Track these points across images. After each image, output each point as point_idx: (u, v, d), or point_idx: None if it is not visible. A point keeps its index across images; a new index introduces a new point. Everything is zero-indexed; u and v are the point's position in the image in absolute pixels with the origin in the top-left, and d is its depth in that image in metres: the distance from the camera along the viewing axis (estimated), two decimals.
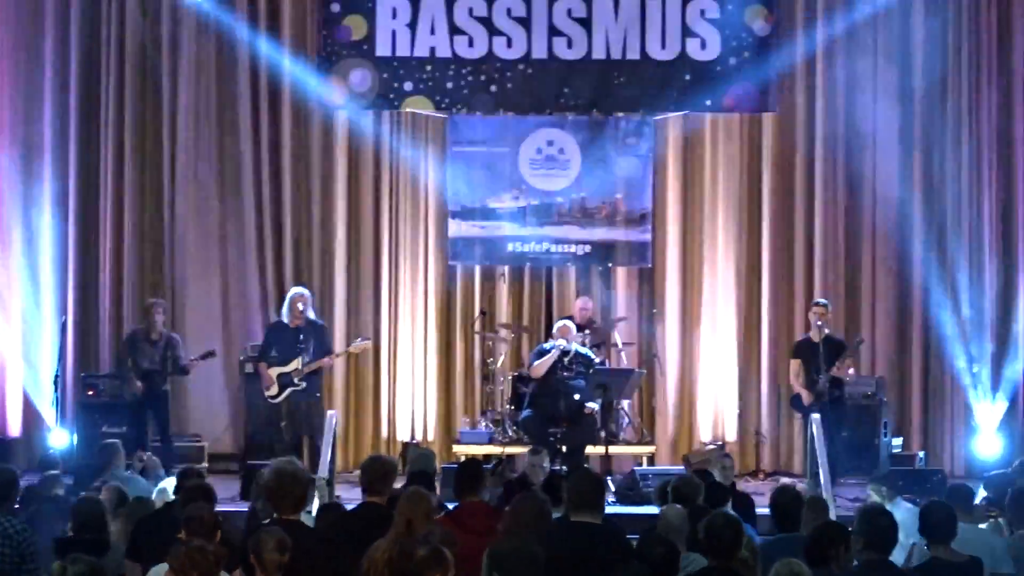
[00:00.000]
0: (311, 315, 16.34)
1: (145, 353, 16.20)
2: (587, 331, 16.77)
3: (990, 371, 17.50)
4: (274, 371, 15.99)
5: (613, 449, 15.86)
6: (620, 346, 17.33)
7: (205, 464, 16.35)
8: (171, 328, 17.29)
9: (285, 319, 16.20)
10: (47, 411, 17.00)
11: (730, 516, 8.46)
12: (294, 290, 16.48)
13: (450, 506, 10.37)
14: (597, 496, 9.16)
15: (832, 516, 12.24)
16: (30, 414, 17.32)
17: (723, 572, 8.03)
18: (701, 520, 8.56)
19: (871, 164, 17.79)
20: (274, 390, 15.98)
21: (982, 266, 17.66)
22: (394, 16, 17.54)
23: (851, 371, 16.37)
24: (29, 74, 17.60)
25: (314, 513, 10.50)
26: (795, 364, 16.48)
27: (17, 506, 10.56)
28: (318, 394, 16.32)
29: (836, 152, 17.83)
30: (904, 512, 9.82)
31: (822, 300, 16.84)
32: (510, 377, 17.09)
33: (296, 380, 15.95)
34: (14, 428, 17.33)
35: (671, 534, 8.77)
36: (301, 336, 16.08)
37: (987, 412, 17.35)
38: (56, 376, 16.63)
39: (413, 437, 17.57)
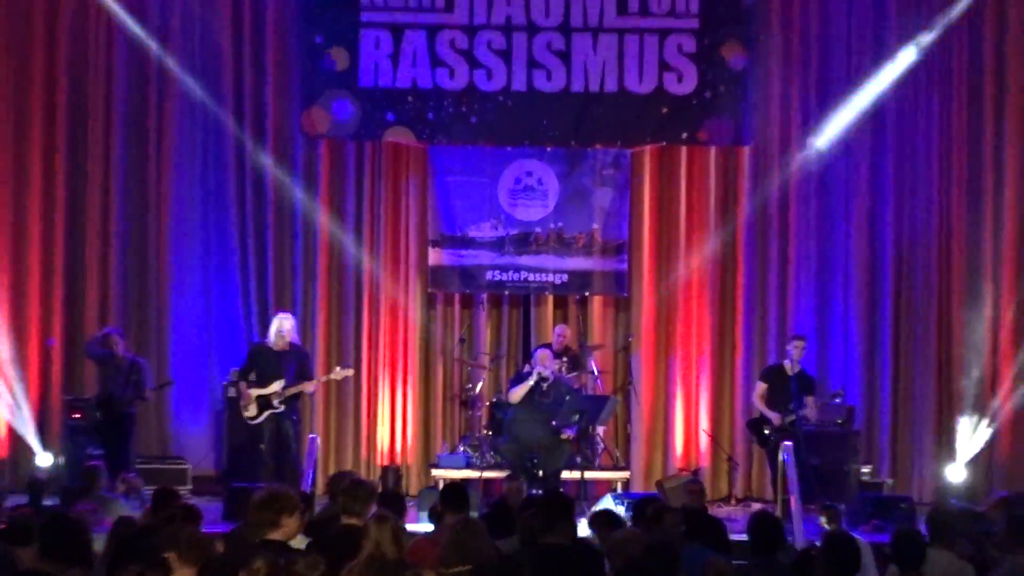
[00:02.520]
0: (295, 340, 16.38)
1: (107, 377, 16.20)
2: (564, 359, 16.83)
3: (962, 404, 17.61)
4: (254, 391, 15.95)
5: (588, 474, 15.98)
6: (596, 373, 17.37)
7: (189, 486, 16.50)
8: (157, 350, 17.55)
9: (270, 342, 16.17)
10: (31, 434, 17.06)
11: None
12: (280, 315, 16.47)
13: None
14: (565, 518, 9.20)
15: (801, 540, 12.50)
16: (15, 437, 17.27)
17: None
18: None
19: (842, 200, 17.94)
20: (253, 411, 15.97)
21: (950, 303, 17.82)
22: (377, 48, 17.61)
23: (813, 408, 16.36)
24: (20, 103, 17.58)
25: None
26: (762, 387, 16.60)
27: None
28: (295, 416, 16.25)
29: (809, 187, 17.94)
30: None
31: (801, 334, 16.95)
32: (488, 403, 17.11)
33: (276, 403, 15.93)
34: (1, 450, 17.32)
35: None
36: (283, 360, 16.08)
37: (956, 443, 17.48)
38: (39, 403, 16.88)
39: (392, 461, 17.62)
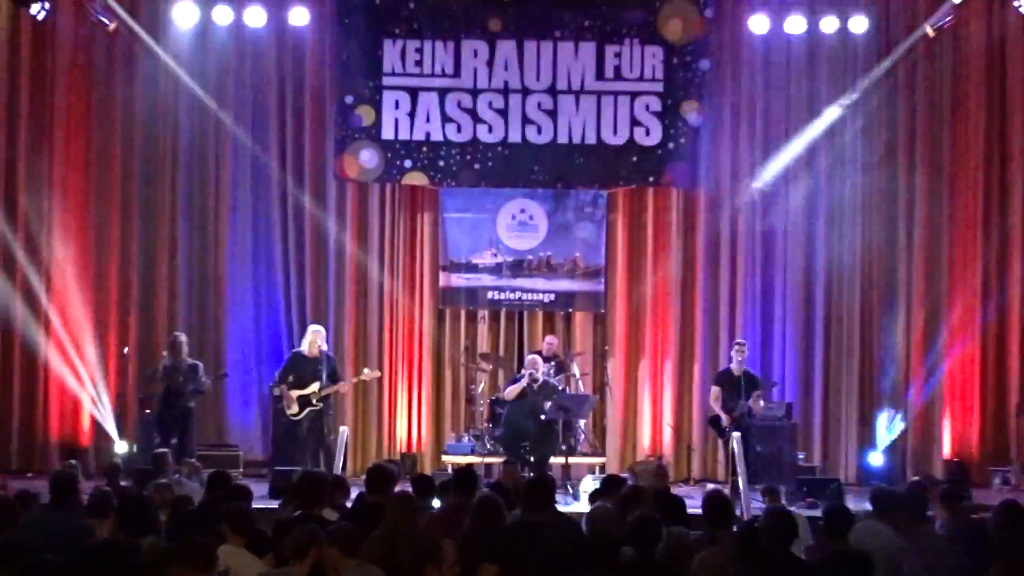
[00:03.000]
0: (325, 347, 16.41)
1: (171, 380, 16.10)
2: (551, 363, 16.86)
3: (881, 400, 17.73)
4: (295, 393, 16.01)
5: (572, 459, 15.98)
6: (578, 376, 17.31)
7: (241, 469, 16.50)
8: (214, 355, 17.62)
9: (304, 350, 16.27)
10: (111, 426, 17.19)
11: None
12: (313, 327, 16.59)
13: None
14: (545, 497, 9.26)
15: (747, 515, 12.53)
16: (97, 428, 17.38)
17: (647, 563, 8.00)
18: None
19: (782, 231, 17.98)
20: (295, 408, 16.01)
21: (871, 316, 17.92)
22: (396, 107, 17.61)
23: (761, 403, 16.41)
24: (104, 150, 17.69)
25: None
26: (716, 391, 16.70)
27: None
28: (330, 412, 16.31)
29: (755, 221, 18.00)
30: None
31: (742, 340, 17.08)
32: (489, 400, 17.12)
33: (314, 401, 16.02)
34: (85, 439, 17.44)
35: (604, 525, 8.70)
36: (317, 365, 16.15)
37: (876, 433, 17.57)
38: (118, 399, 16.95)
39: (409, 449, 17.73)
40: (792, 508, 11.21)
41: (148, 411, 16.63)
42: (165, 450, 15.33)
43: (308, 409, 16.10)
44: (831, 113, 17.76)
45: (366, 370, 17.05)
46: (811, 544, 9.76)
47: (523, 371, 16.44)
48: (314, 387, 16.09)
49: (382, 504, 9.61)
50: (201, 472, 13.26)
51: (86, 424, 17.48)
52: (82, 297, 17.48)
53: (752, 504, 13.84)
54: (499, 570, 7.91)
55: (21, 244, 17.34)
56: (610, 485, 10.88)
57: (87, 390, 17.41)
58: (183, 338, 16.40)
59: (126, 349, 17.57)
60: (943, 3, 16.92)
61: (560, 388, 16.56)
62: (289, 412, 16.14)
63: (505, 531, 8.68)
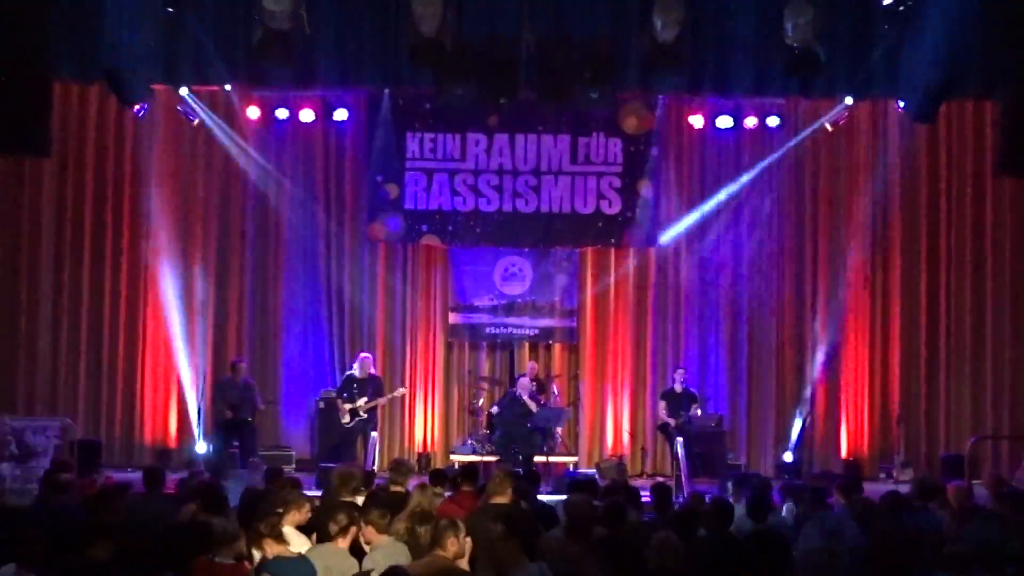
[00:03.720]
0: (372, 371, 16.50)
1: (232, 396, 16.11)
2: (535, 384, 16.80)
3: (792, 411, 17.69)
4: (347, 405, 16.07)
5: (552, 458, 15.99)
6: (556, 393, 17.30)
7: (293, 465, 16.45)
8: (273, 375, 17.62)
9: (356, 373, 16.29)
10: (194, 430, 17.07)
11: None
12: (363, 354, 16.63)
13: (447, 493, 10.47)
14: (509, 485, 9.24)
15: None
16: (183, 431, 17.35)
17: (616, 539, 7.95)
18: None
19: (714, 281, 17.95)
20: (347, 419, 16.06)
21: (783, 345, 17.91)
22: (416, 184, 17.54)
23: (698, 412, 16.48)
24: (188, 213, 17.69)
25: None
26: (663, 404, 16.71)
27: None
28: (374, 420, 16.34)
29: (693, 269, 17.98)
30: (740, 508, 9.72)
31: (682, 367, 17.17)
32: (487, 412, 17.02)
33: (361, 413, 16.08)
34: (172, 442, 17.41)
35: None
36: (365, 384, 16.21)
37: (789, 437, 17.54)
38: (199, 409, 16.91)
39: (424, 450, 17.67)
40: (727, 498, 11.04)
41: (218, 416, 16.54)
42: (234, 450, 15.38)
43: (356, 419, 16.12)
44: (753, 189, 17.77)
45: (400, 389, 17.05)
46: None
47: (513, 389, 16.44)
48: (361, 402, 16.10)
49: (403, 493, 9.65)
50: (261, 467, 13.20)
51: (173, 429, 17.43)
52: (169, 336, 17.46)
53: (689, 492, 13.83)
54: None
55: (123, 300, 17.38)
56: (582, 484, 10.92)
57: (173, 403, 17.40)
58: (242, 364, 16.49)
59: (206, 371, 17.47)
60: (838, 104, 16.90)
61: (542, 403, 16.45)
62: (343, 421, 16.15)
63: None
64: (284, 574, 7.31)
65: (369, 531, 7.87)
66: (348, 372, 16.62)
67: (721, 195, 17.85)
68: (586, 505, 8.74)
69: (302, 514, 8.47)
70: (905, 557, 7.62)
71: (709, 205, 17.88)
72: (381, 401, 16.44)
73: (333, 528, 7.76)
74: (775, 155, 17.69)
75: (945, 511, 10.16)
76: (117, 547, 7.20)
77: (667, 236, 17.93)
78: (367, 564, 7.53)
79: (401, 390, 17.03)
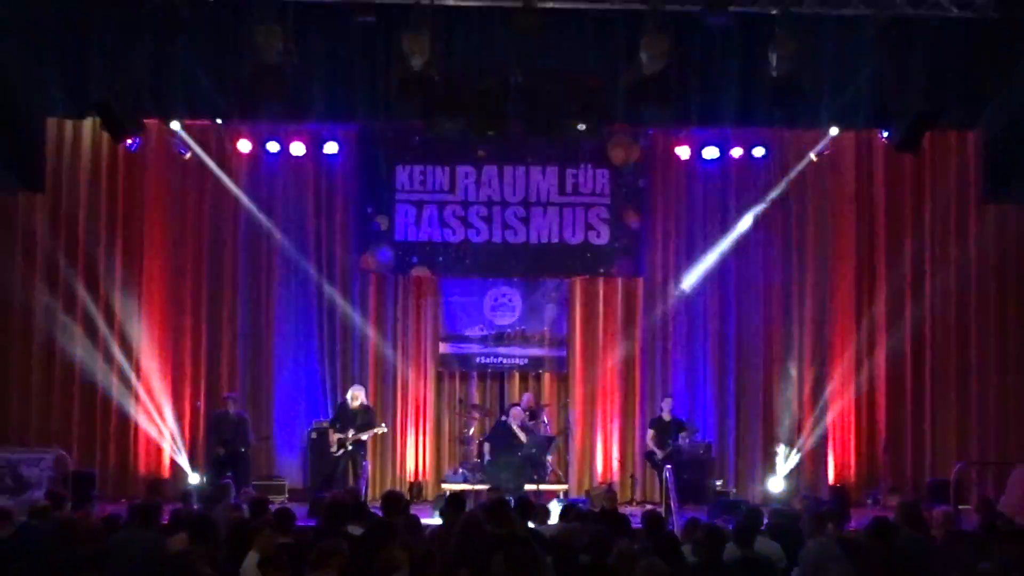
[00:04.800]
0: (365, 402, 16.49)
1: (225, 429, 16.27)
2: (528, 413, 16.78)
3: (779, 440, 17.63)
4: (336, 436, 16.11)
5: (542, 487, 15.85)
6: (546, 422, 17.20)
7: (286, 495, 16.39)
8: (265, 408, 17.53)
9: (349, 403, 16.33)
10: (185, 462, 17.06)
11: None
12: (355, 387, 16.65)
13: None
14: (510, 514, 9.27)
15: (678, 528, 12.36)
16: (175, 464, 17.21)
17: (599, 567, 8.04)
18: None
19: (703, 310, 17.94)
20: (335, 448, 16.10)
21: (770, 374, 17.87)
22: (406, 216, 17.53)
23: (687, 440, 16.43)
24: (179, 253, 17.64)
25: None
26: (651, 433, 16.72)
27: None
28: (362, 452, 16.31)
29: (681, 301, 17.94)
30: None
31: (670, 395, 17.20)
32: (478, 441, 16.99)
33: (348, 445, 16.09)
34: (166, 472, 17.26)
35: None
36: (356, 416, 16.23)
37: (777, 465, 17.50)
38: (191, 441, 16.86)
39: (416, 478, 17.53)
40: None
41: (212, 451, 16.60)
42: (227, 481, 15.30)
43: (343, 450, 16.13)
44: (740, 219, 17.76)
45: (382, 427, 16.88)
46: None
47: (505, 418, 16.46)
48: (349, 433, 16.14)
49: (392, 523, 9.59)
50: (252, 498, 13.12)
51: (167, 461, 17.29)
52: (162, 369, 17.37)
53: (679, 519, 13.65)
54: (468, 573, 7.76)
55: (116, 333, 17.19)
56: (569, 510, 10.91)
57: (167, 435, 17.24)
58: (233, 397, 16.69)
59: (199, 403, 17.47)
60: (822, 135, 16.94)
61: (533, 432, 16.45)
62: (332, 450, 16.18)
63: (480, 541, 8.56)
64: None
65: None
66: (341, 401, 16.66)
67: (708, 225, 17.94)
68: (572, 533, 8.73)
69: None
70: None
71: (696, 235, 17.93)
72: (364, 436, 16.39)
73: (332, 560, 7.73)
74: (761, 186, 17.76)
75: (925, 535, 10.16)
76: None
77: (654, 267, 17.97)
78: None
79: (382, 428, 16.90)
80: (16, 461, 15.19)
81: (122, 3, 14.46)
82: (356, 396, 16.38)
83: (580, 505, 12.90)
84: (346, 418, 16.24)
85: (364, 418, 16.32)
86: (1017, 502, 14.36)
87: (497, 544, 8.28)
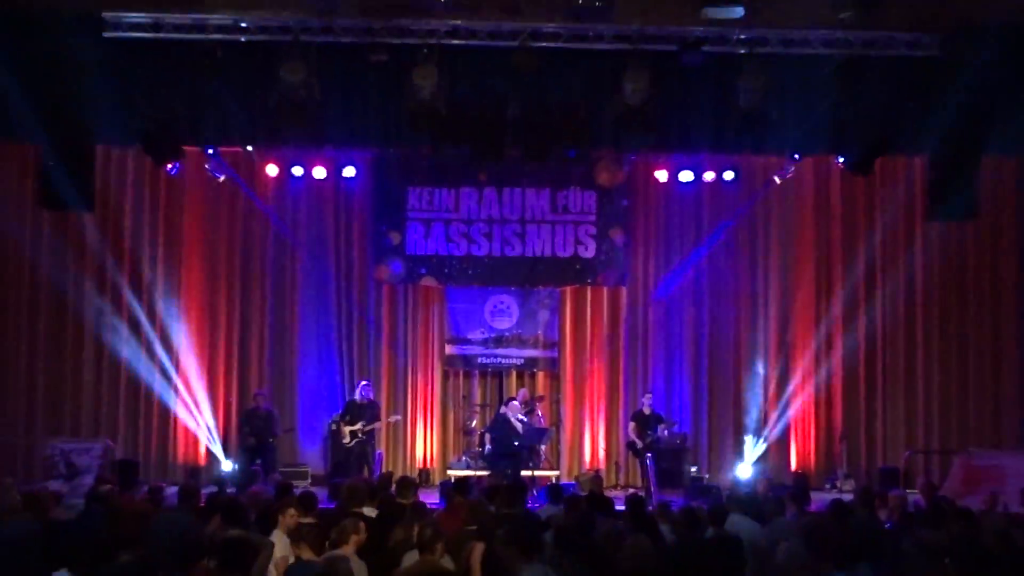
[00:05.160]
0: (371, 396, 16.48)
1: (255, 422, 16.27)
2: (524, 406, 16.69)
3: (747, 430, 17.63)
4: (347, 428, 16.08)
5: (537, 472, 15.91)
6: (540, 415, 17.13)
7: (309, 480, 16.38)
8: (290, 401, 17.51)
9: (357, 398, 16.33)
10: (219, 451, 17.09)
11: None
12: (362, 382, 16.66)
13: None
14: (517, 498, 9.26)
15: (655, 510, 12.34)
16: (210, 453, 17.22)
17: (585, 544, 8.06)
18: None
19: (679, 316, 17.92)
20: (347, 438, 16.06)
21: (739, 371, 17.88)
22: (416, 232, 17.54)
23: (665, 432, 16.43)
24: (213, 263, 17.66)
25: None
26: (633, 425, 16.65)
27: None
28: (372, 441, 16.30)
29: (660, 307, 17.92)
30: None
31: (650, 391, 17.19)
32: (479, 432, 17.00)
33: (360, 435, 16.04)
34: (201, 460, 17.25)
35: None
36: (364, 409, 16.20)
37: (745, 453, 17.49)
38: (224, 432, 16.85)
39: (424, 466, 17.55)
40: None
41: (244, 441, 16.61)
42: (257, 468, 15.31)
43: (355, 440, 16.06)
44: (712, 234, 17.79)
45: (396, 416, 17.09)
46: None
47: (504, 411, 16.33)
48: (360, 425, 16.08)
49: (404, 505, 9.62)
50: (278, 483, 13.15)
51: (203, 450, 17.29)
52: (199, 368, 17.36)
53: (657, 500, 13.58)
54: (484, 546, 7.80)
55: (158, 335, 17.18)
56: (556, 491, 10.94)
57: (203, 427, 17.25)
58: (261, 393, 16.72)
59: (231, 399, 17.50)
60: (786, 161, 17.00)
61: (528, 424, 16.36)
62: (343, 441, 16.14)
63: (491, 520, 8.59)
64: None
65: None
66: (350, 399, 16.64)
67: (683, 240, 17.95)
68: (558, 515, 8.92)
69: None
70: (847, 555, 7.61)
71: (673, 249, 17.95)
72: (377, 425, 16.43)
73: (351, 538, 7.80)
74: (731, 205, 17.77)
75: (883, 513, 10.22)
76: (138, 554, 7.22)
77: (636, 277, 17.99)
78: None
79: (396, 417, 17.02)
80: (69, 450, 15.20)
81: (164, 45, 14.61)
82: (364, 391, 16.43)
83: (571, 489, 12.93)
84: (353, 412, 16.25)
85: (370, 412, 16.33)
86: (959, 486, 14.41)
87: (500, 522, 8.38)
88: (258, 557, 7.55)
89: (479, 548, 7.75)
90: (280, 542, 8.07)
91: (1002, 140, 15.47)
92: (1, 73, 14.75)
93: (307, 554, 7.63)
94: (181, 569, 7.43)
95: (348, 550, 7.73)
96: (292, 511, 8.57)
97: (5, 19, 14.73)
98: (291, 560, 7.78)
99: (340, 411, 16.63)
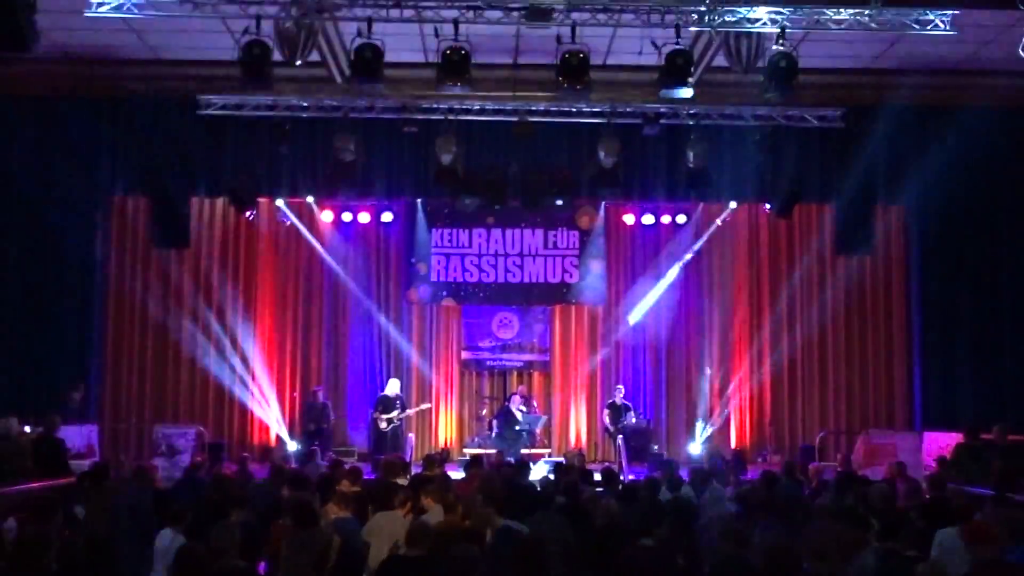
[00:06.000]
0: (399, 391, 16.40)
1: (314, 412, 16.25)
2: (523, 399, 16.71)
3: (698, 416, 17.52)
4: (383, 417, 15.96)
5: (533, 450, 15.86)
6: (536, 406, 17.18)
7: (355, 457, 16.18)
8: (343, 396, 17.44)
9: (389, 394, 16.23)
10: (285, 435, 17.01)
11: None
12: (392, 379, 16.61)
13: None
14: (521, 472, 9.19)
15: (626, 479, 12.28)
16: (278, 436, 17.09)
17: (573, 506, 7.99)
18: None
19: (643, 329, 17.78)
20: (384, 426, 15.93)
21: (689, 370, 17.80)
22: (439, 264, 17.49)
23: (633, 419, 16.39)
24: (283, 288, 17.64)
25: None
26: (607, 412, 16.60)
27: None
28: (402, 427, 16.20)
29: (630, 324, 17.80)
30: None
31: (620, 385, 17.07)
32: (489, 419, 16.92)
33: (395, 420, 15.98)
34: (272, 442, 17.13)
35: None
36: (394, 401, 16.13)
37: (696, 435, 17.38)
38: (290, 420, 16.78)
39: (445, 446, 17.41)
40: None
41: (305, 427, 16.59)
42: (315, 448, 15.22)
43: (391, 426, 15.99)
44: (669, 266, 17.73)
45: (426, 404, 17.03)
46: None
47: (508, 403, 16.35)
48: (394, 414, 16.00)
49: (431, 476, 9.57)
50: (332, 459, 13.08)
51: (272, 434, 17.19)
52: (269, 371, 17.29)
53: (629, 472, 13.74)
54: (495, 510, 7.71)
55: (238, 349, 17.07)
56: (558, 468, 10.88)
57: (273, 416, 17.18)
58: (319, 389, 16.63)
59: (295, 394, 17.44)
60: (725, 208, 17.00)
61: (526, 412, 16.36)
62: (381, 427, 16.03)
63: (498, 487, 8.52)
64: (346, 528, 7.33)
65: (429, 502, 7.80)
66: (381, 393, 16.48)
67: (647, 270, 17.84)
68: (550, 483, 8.86)
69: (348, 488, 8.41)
70: (777, 515, 7.57)
71: (638, 277, 17.80)
72: (410, 412, 16.37)
73: (396, 500, 7.74)
74: (684, 243, 17.68)
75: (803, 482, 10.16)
76: (245, 515, 7.21)
77: (610, 298, 17.85)
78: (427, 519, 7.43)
79: (426, 405, 16.96)
80: (170, 434, 15.16)
81: (245, 120, 14.74)
82: (392, 387, 16.32)
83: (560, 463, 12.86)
84: (387, 405, 16.11)
85: (400, 403, 16.22)
86: (862, 459, 14.34)
87: (505, 490, 8.36)
88: (319, 519, 7.45)
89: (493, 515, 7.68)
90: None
91: (892, 192, 15.55)
92: (117, 143, 14.92)
93: (338, 512, 7.56)
94: (265, 525, 7.40)
95: (400, 511, 7.67)
96: (345, 481, 8.54)
97: (126, 102, 14.98)
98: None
99: (375, 403, 16.49)
